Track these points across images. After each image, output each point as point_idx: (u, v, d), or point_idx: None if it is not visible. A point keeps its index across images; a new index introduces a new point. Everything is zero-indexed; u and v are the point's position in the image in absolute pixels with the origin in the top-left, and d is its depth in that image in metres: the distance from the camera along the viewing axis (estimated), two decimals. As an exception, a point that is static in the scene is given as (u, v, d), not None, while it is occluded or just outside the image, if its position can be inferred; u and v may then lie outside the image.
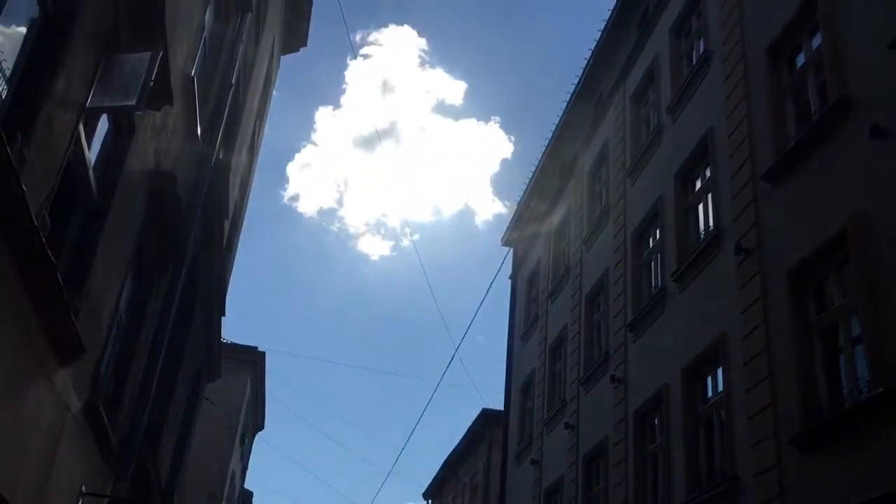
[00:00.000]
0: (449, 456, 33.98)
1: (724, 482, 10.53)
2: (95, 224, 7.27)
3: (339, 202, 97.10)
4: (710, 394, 12.04)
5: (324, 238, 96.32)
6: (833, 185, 9.32)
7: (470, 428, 30.88)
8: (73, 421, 7.62)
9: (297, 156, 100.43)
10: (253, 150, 19.23)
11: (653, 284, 14.77)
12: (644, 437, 13.89)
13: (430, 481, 37.69)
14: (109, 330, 8.37)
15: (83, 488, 8.28)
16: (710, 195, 12.65)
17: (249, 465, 37.14)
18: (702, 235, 12.87)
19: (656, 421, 13.67)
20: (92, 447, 8.49)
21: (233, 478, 30.76)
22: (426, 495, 38.51)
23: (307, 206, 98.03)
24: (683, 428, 12.06)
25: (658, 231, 14.62)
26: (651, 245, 15.07)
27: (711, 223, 12.42)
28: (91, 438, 8.36)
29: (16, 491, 6.02)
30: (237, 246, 19.38)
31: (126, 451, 9.88)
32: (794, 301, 9.67)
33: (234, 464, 30.90)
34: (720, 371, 11.48)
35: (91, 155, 6.91)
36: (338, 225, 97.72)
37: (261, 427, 38.49)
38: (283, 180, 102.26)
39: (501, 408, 24.23)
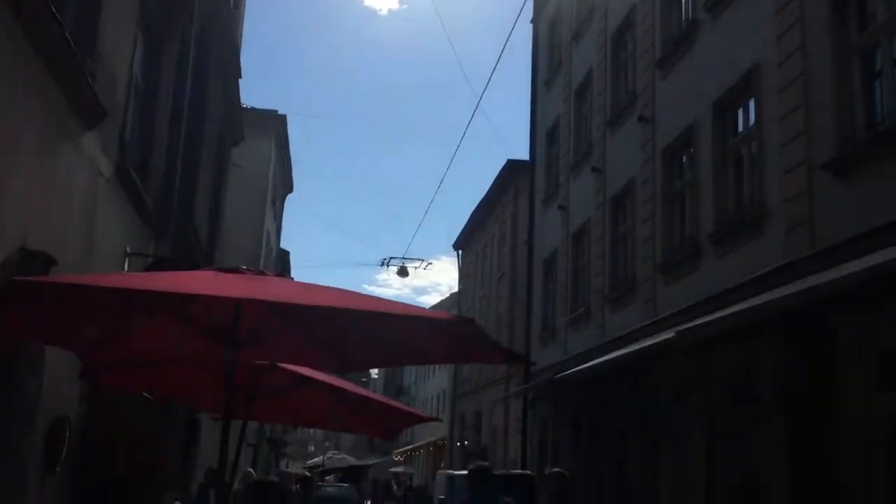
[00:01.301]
0: (477, 207, 34.72)
1: (753, 211, 10.65)
2: (94, -22, 6.90)
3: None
4: (740, 128, 11.87)
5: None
6: None
7: (496, 178, 31.21)
8: (107, 184, 7.72)
9: None
10: None
11: (683, 17, 14.09)
12: (672, 174, 13.93)
13: (458, 233, 38.91)
14: (127, 93, 8.23)
15: (127, 249, 8.57)
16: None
17: (283, 227, 38.34)
18: (737, -42, 12.02)
19: (684, 158, 13.63)
20: (130, 210, 8.67)
21: (268, 239, 31.91)
22: (456, 246, 39.91)
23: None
24: (713, 163, 12.03)
25: (689, -42, 13.70)
26: (681, -26, 14.19)
27: (748, -57, 11.55)
28: (127, 202, 8.51)
29: (65, 252, 6.22)
30: (244, 3, 18.62)
31: (163, 212, 10.10)
32: (834, 20, 9.18)
33: (269, 225, 31.93)
34: (752, 103, 11.22)
35: None
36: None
37: (290, 190, 39.32)
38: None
39: (527, 158, 24.30)
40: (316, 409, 6.10)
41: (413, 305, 4.37)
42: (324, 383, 5.93)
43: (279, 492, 4.13)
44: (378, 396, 6.04)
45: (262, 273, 3.83)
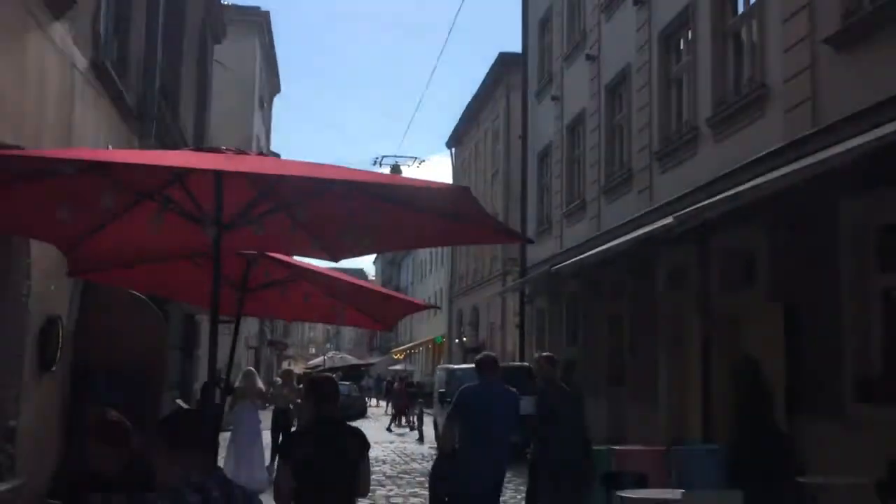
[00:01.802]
0: (469, 103, 34.11)
1: (753, 91, 10.36)
2: None
3: None
4: (740, 7, 11.44)
5: None
6: None
7: (488, 72, 30.55)
8: (83, 79, 7.39)
9: None
10: None
11: None
12: (669, 58, 13.53)
13: (451, 131, 38.37)
14: (97, -19, 7.81)
15: (109, 146, 8.31)
16: None
17: (273, 129, 37.78)
18: None
19: (681, 42, 13.21)
20: (108, 106, 8.37)
21: (258, 141, 31.46)
22: (449, 144, 39.43)
23: None
24: (711, 44, 11.64)
25: None
26: None
27: None
28: (105, 97, 8.20)
29: (41, 149, 5.99)
30: None
31: (145, 110, 9.78)
32: None
33: (258, 128, 31.44)
34: (752, -20, 10.77)
35: None
36: None
37: (278, 90, 38.58)
38: None
39: (519, 51, 23.65)
40: (311, 302, 6.00)
41: (405, 177, 4.18)
42: (318, 273, 5.82)
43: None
44: (373, 286, 5.93)
45: (242, 152, 3.63)
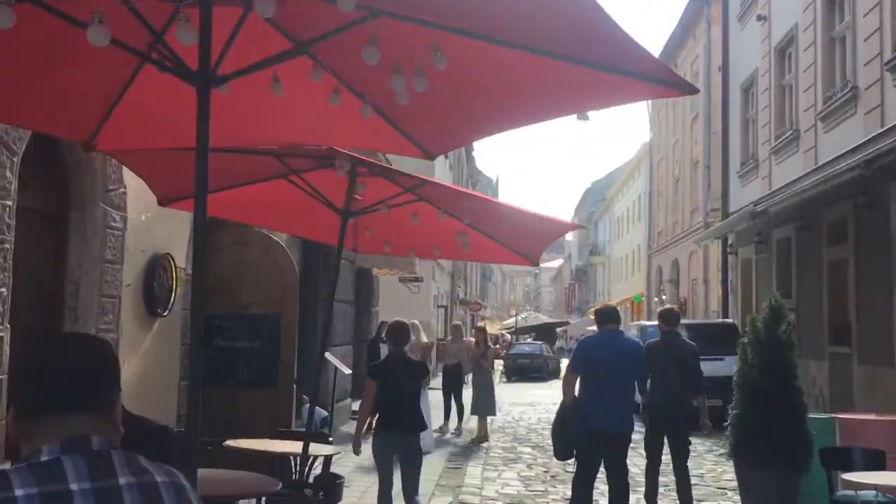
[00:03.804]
0: (666, 44, 31.54)
1: None
2: None
3: None
4: None
5: None
6: None
7: (686, 7, 28.05)
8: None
9: None
10: None
11: None
12: None
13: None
14: None
15: None
16: None
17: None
18: None
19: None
20: None
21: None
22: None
23: None
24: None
25: None
26: None
27: None
28: None
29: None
30: None
31: None
32: None
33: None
34: None
35: None
36: None
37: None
38: None
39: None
40: (424, 227, 4.84)
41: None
42: (435, 185, 4.65)
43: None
44: (502, 202, 4.63)
45: None
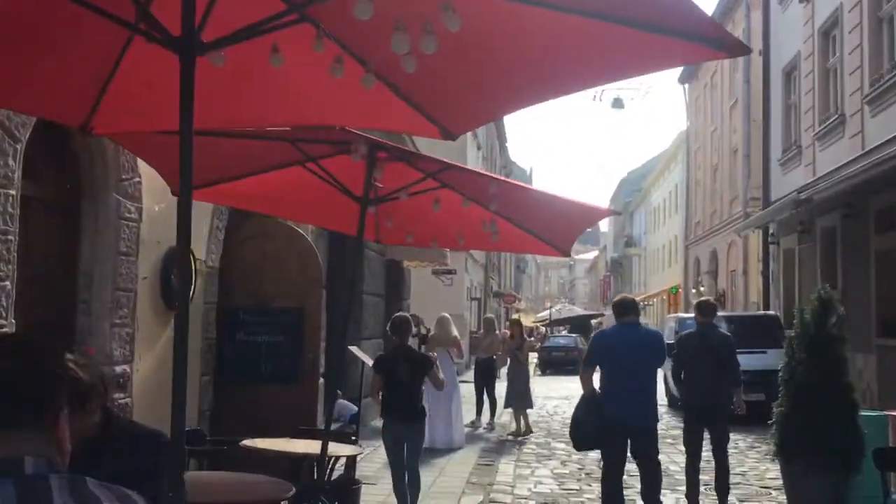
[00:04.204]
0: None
1: None
2: None
3: None
4: None
5: None
6: None
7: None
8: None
9: None
10: None
11: None
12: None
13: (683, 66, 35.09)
14: None
15: None
16: None
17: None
18: None
19: None
20: None
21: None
22: (682, 79, 36.19)
23: None
24: None
25: None
26: None
27: None
28: None
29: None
30: None
31: None
32: None
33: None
34: None
35: None
36: None
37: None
38: None
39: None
40: (447, 214, 4.56)
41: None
42: (458, 168, 4.37)
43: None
44: (531, 187, 4.33)
45: None
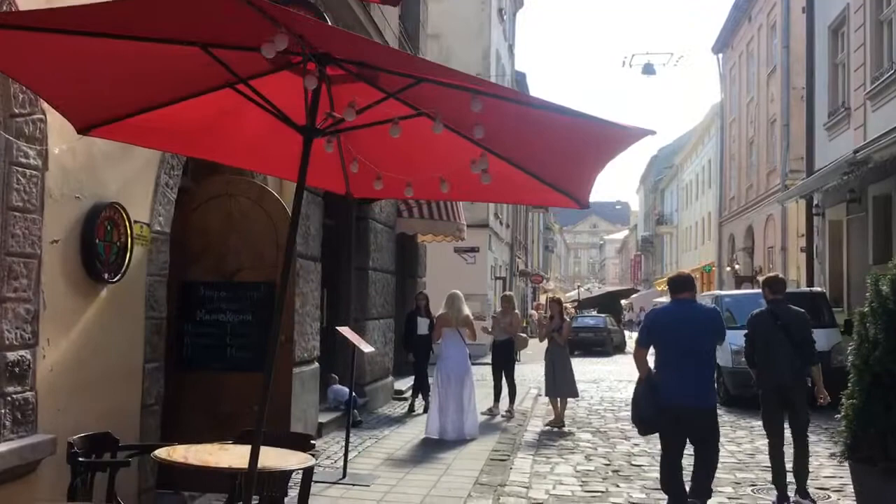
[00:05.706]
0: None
1: None
2: None
3: None
4: None
5: None
6: None
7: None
8: None
9: None
10: None
11: None
12: None
13: (717, 34, 33.44)
14: None
15: None
16: None
17: (517, 46, 35.27)
18: None
19: None
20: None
21: (499, 58, 29.07)
22: (715, 49, 34.54)
23: None
24: None
25: None
26: None
27: None
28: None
29: None
30: None
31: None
32: None
33: (498, 42, 29.03)
34: None
35: None
36: None
37: (520, 5, 35.88)
38: None
39: None
40: (446, 160, 3.45)
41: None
42: (453, 88, 3.24)
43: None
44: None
45: None
